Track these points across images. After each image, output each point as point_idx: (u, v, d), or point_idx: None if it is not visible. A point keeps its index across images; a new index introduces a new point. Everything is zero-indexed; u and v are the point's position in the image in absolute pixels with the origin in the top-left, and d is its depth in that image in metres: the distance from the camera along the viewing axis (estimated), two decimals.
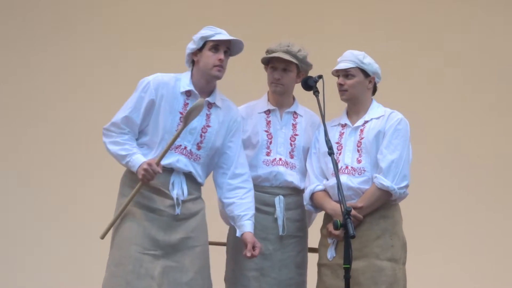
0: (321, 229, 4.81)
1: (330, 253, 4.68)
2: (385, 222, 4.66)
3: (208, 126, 4.62)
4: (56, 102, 7.37)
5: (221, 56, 4.55)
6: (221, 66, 4.56)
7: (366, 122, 4.75)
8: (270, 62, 4.84)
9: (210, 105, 4.64)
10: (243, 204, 4.62)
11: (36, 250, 7.14)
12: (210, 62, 4.55)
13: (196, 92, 4.59)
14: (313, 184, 4.77)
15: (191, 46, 4.60)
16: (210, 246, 4.68)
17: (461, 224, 7.33)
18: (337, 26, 7.49)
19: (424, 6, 7.61)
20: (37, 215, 7.19)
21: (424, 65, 7.53)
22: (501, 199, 7.41)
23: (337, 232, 4.58)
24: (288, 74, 4.81)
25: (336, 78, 4.79)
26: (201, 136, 4.60)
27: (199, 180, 4.63)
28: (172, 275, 4.50)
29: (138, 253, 4.46)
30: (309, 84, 4.69)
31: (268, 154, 4.82)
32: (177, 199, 4.54)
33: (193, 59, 4.62)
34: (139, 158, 4.49)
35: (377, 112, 4.77)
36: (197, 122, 4.57)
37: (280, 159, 4.81)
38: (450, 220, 7.36)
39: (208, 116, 4.63)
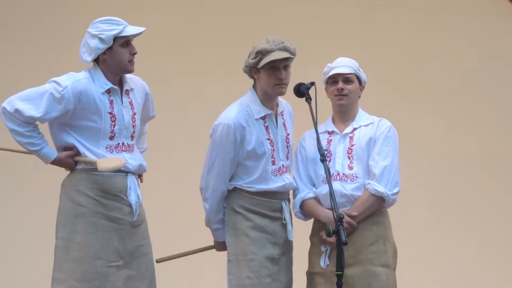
0: (311, 237, 4.80)
1: (324, 261, 4.67)
2: (378, 228, 4.68)
3: (134, 114, 4.59)
4: None
5: (134, 49, 4.50)
6: (133, 60, 4.50)
7: (355, 129, 4.76)
8: (267, 63, 4.59)
9: (127, 92, 4.58)
10: None
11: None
12: (125, 59, 4.48)
13: (116, 87, 4.51)
14: (303, 192, 4.77)
15: (102, 45, 4.43)
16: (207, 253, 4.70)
17: (451, 229, 7.38)
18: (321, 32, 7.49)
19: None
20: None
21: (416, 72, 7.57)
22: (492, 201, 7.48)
23: (331, 240, 4.56)
24: (288, 72, 4.65)
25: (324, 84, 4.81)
26: (133, 126, 4.59)
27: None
28: (133, 284, 4.49)
29: (103, 267, 4.39)
30: (301, 91, 4.64)
31: (273, 163, 4.70)
32: (134, 205, 4.52)
33: (100, 57, 4.47)
34: (51, 151, 4.46)
35: (364, 119, 4.79)
36: (128, 115, 4.53)
37: (283, 165, 4.75)
38: (439, 224, 7.40)
39: (130, 103, 4.58)
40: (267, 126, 4.70)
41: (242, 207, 4.69)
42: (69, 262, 4.39)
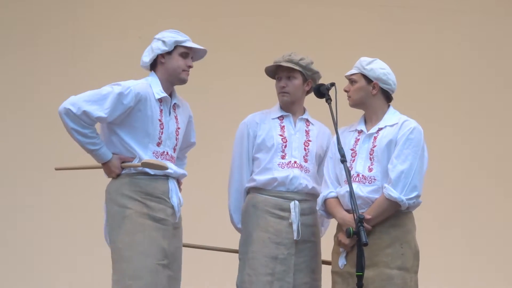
0: (334, 236, 4.81)
1: (341, 261, 4.69)
2: (395, 231, 4.64)
3: (178, 128, 4.74)
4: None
5: (191, 63, 4.70)
6: (188, 71, 4.69)
7: (380, 129, 4.73)
8: (276, 73, 4.97)
9: (175, 106, 4.74)
10: None
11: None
12: (180, 67, 4.67)
13: (168, 97, 4.70)
14: (326, 190, 4.79)
15: (162, 47, 4.65)
16: (219, 253, 4.73)
17: (482, 230, 7.37)
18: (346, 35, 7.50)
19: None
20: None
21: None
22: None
23: (346, 242, 4.60)
24: (292, 82, 4.93)
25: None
26: (176, 139, 4.72)
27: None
28: (172, 285, 4.60)
29: (154, 264, 4.50)
30: (322, 92, 4.71)
31: (283, 157, 4.88)
32: (176, 206, 4.63)
33: (159, 60, 4.68)
34: (108, 152, 4.58)
35: (392, 119, 4.74)
36: (173, 127, 4.69)
37: (295, 162, 4.88)
38: (470, 224, 7.40)
39: (176, 118, 4.73)
40: (283, 126, 4.93)
41: (251, 206, 4.86)
42: (121, 262, 4.51)
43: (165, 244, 4.55)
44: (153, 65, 4.71)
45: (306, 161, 4.89)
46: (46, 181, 6.88)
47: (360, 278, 4.19)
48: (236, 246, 4.98)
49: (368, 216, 4.56)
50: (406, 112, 4.79)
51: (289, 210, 4.82)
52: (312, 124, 5.00)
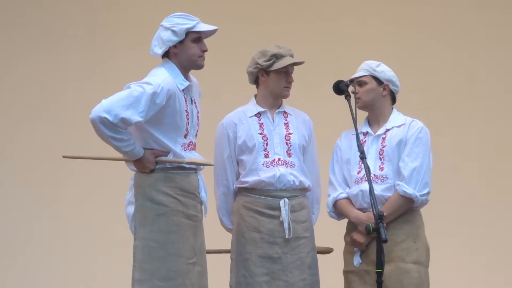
0: (345, 237, 4.88)
1: (357, 260, 4.75)
2: (408, 226, 4.74)
3: (198, 112, 4.64)
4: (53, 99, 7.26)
5: (205, 47, 4.54)
6: (204, 56, 4.53)
7: (387, 130, 4.84)
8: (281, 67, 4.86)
9: (190, 87, 4.59)
10: None
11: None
12: (196, 53, 4.51)
13: (190, 84, 4.54)
14: (336, 192, 4.86)
15: (173, 38, 4.47)
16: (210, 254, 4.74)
17: (484, 228, 7.40)
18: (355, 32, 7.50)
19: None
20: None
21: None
22: None
23: (362, 240, 4.68)
24: (292, 77, 4.95)
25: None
26: (197, 124, 4.64)
27: None
28: (201, 280, 4.54)
29: (184, 265, 4.42)
30: (341, 88, 4.71)
31: (266, 156, 4.85)
32: (205, 202, 4.61)
33: (171, 50, 4.50)
34: (140, 148, 4.43)
35: (397, 120, 4.86)
36: (195, 111, 4.57)
37: (279, 159, 4.86)
38: (473, 222, 7.43)
39: (195, 103, 4.62)
40: (262, 123, 4.88)
41: (241, 206, 4.85)
42: (152, 262, 4.39)
43: (194, 241, 4.49)
44: (166, 53, 4.53)
45: (289, 155, 4.86)
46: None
47: (380, 275, 4.22)
48: (225, 246, 4.96)
49: (383, 213, 4.59)
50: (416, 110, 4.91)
51: (279, 209, 4.80)
52: (291, 114, 4.97)
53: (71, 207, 7.00)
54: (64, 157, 4.77)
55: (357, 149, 4.66)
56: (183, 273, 4.40)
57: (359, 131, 4.80)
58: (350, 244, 4.77)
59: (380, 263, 4.21)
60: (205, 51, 4.53)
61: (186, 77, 4.56)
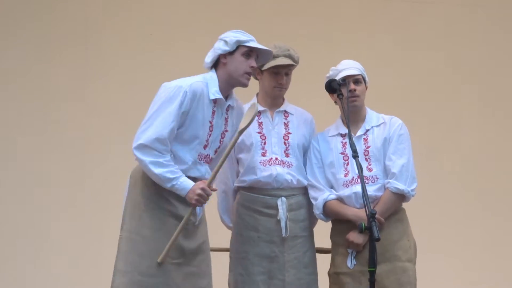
0: (332, 237, 4.87)
1: (351, 262, 4.73)
2: (401, 225, 4.77)
3: (226, 130, 4.63)
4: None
5: (254, 63, 4.52)
6: (250, 74, 4.54)
7: (367, 130, 4.83)
8: (272, 67, 4.84)
9: (229, 107, 4.61)
10: None
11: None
12: (242, 68, 4.50)
13: (223, 100, 4.54)
14: (324, 193, 4.81)
15: (223, 47, 4.49)
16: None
17: (462, 224, 7.41)
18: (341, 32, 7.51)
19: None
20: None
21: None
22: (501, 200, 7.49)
23: (360, 241, 4.66)
24: (289, 77, 4.91)
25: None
26: (220, 142, 4.61)
27: None
28: (193, 281, 4.50)
29: (168, 264, 4.40)
30: (333, 87, 4.73)
31: (263, 154, 4.85)
32: (199, 208, 4.54)
33: (221, 60, 4.53)
34: (186, 181, 4.38)
35: (374, 119, 4.86)
36: (220, 129, 4.57)
37: (276, 158, 4.85)
38: (452, 219, 7.43)
39: (226, 120, 4.62)
40: (261, 122, 4.88)
41: (240, 205, 4.87)
42: (134, 255, 4.39)
43: (185, 243, 4.46)
44: (216, 65, 4.54)
45: (287, 155, 4.86)
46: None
47: (372, 273, 4.20)
48: (223, 244, 4.96)
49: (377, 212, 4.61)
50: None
51: (276, 208, 4.81)
52: (291, 114, 4.96)
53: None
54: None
55: (339, 153, 4.77)
56: (166, 272, 4.39)
57: (336, 133, 4.86)
58: (346, 246, 4.74)
59: (372, 262, 4.19)
60: (253, 67, 4.51)
61: (226, 92, 4.54)
